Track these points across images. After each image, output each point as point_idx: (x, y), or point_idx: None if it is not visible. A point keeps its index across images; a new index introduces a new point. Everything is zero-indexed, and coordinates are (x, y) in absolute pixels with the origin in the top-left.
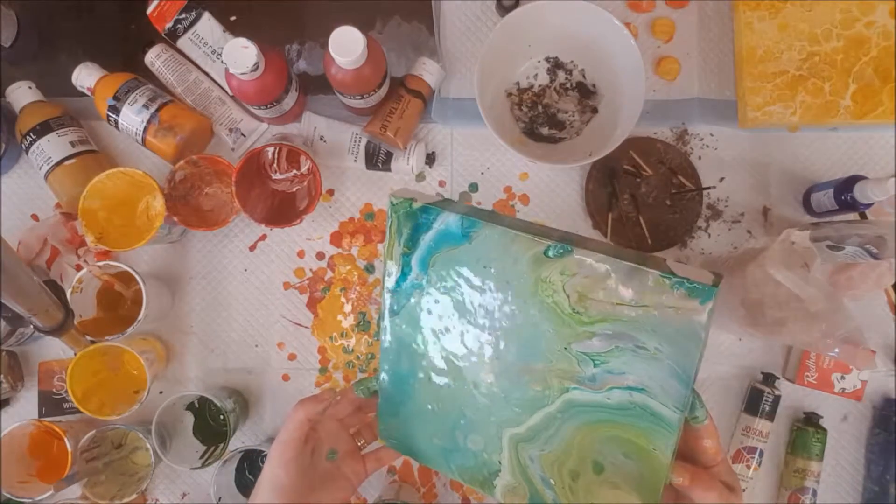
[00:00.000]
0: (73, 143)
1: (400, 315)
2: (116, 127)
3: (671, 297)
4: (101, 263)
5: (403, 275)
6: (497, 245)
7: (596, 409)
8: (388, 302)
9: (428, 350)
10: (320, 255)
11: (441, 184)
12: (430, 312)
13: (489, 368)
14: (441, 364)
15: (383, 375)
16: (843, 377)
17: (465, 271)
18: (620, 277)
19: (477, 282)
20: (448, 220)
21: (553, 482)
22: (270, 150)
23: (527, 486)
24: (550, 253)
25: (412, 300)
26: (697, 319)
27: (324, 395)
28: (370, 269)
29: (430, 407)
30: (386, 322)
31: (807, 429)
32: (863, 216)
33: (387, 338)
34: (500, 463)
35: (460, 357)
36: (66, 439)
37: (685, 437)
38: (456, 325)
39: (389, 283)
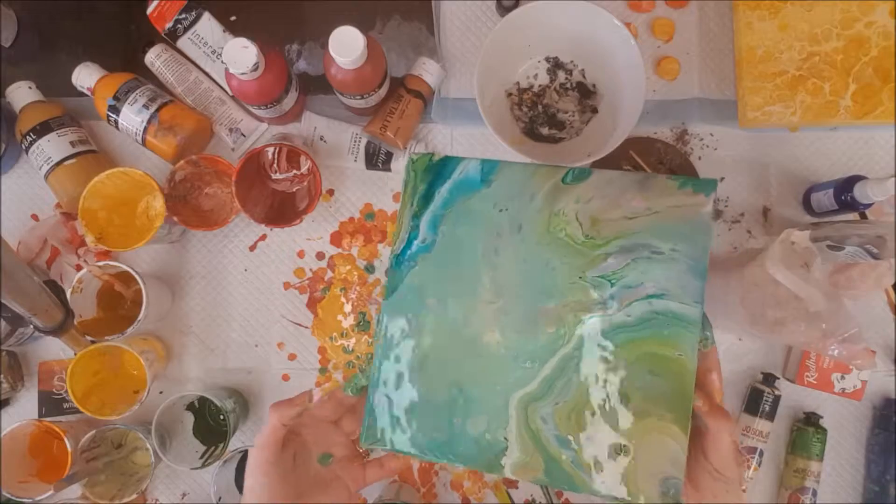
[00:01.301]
0: (73, 143)
1: (399, 290)
2: (116, 127)
3: (679, 197)
4: (101, 263)
5: (409, 242)
6: (516, 181)
7: (616, 331)
8: (389, 283)
9: (427, 324)
10: (320, 255)
11: None
12: (434, 277)
13: (494, 326)
14: (439, 339)
15: (377, 378)
16: (843, 377)
17: (478, 222)
18: (634, 190)
19: (488, 233)
20: (468, 167)
21: (571, 438)
22: (270, 150)
23: (540, 454)
24: (569, 178)
25: (414, 269)
26: (705, 211)
27: (298, 398)
28: (370, 269)
29: (424, 398)
30: (382, 306)
31: (807, 429)
32: (863, 216)
33: (381, 327)
34: (505, 439)
35: (462, 323)
36: (66, 439)
37: (696, 374)
38: (460, 287)
39: (395, 252)
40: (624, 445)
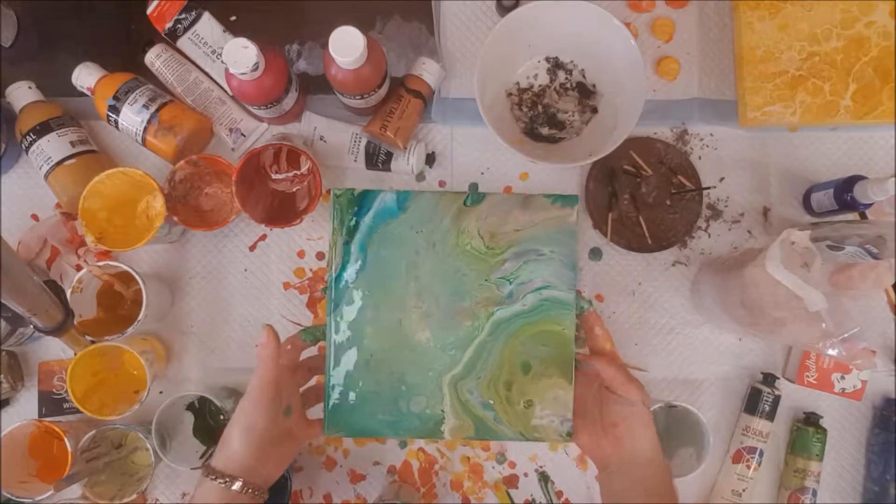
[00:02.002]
0: (73, 143)
1: (340, 307)
2: (116, 127)
3: (552, 210)
4: (101, 263)
5: (343, 266)
6: (427, 207)
7: (516, 317)
8: (331, 297)
9: (367, 332)
10: (320, 255)
11: (441, 184)
12: (367, 293)
13: (424, 326)
14: (379, 342)
15: (333, 378)
16: (843, 377)
17: (399, 243)
18: (519, 207)
19: (408, 251)
20: (385, 198)
21: (492, 402)
22: (270, 150)
23: (470, 418)
24: (469, 202)
25: (351, 288)
26: (571, 220)
27: (266, 339)
28: None
29: (372, 390)
30: (329, 318)
31: (807, 429)
32: (863, 216)
33: (332, 335)
34: (443, 411)
35: (397, 329)
36: (66, 439)
37: (585, 330)
38: (392, 300)
39: (331, 276)
40: (530, 400)
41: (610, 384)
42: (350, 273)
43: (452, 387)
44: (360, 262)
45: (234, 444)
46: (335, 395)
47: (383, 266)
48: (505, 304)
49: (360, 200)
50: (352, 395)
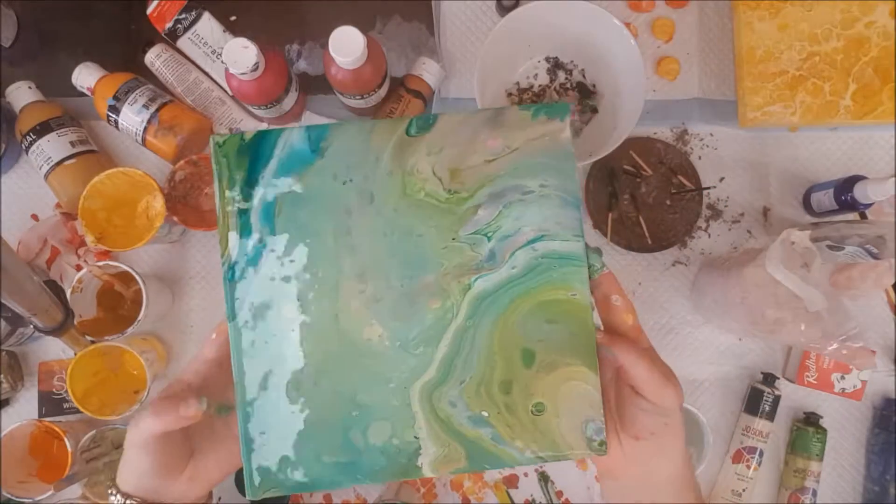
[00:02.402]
0: (73, 143)
1: (243, 311)
2: (116, 127)
3: (536, 128)
4: (101, 263)
5: (243, 245)
6: (355, 145)
7: (505, 287)
8: (229, 296)
9: (289, 338)
10: None
11: None
12: (284, 282)
13: (372, 318)
14: (310, 353)
15: (240, 406)
16: (843, 377)
17: (321, 202)
18: (487, 129)
19: (335, 212)
20: (291, 139)
21: (486, 414)
22: None
23: (457, 442)
24: (413, 129)
25: (257, 278)
26: (564, 137)
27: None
28: None
29: (305, 424)
30: (231, 328)
31: (807, 429)
32: (863, 216)
33: (238, 350)
34: (416, 438)
35: (333, 327)
36: (66, 439)
37: (596, 299)
38: (318, 284)
39: (229, 262)
40: (540, 403)
41: (639, 387)
42: (253, 254)
43: (426, 400)
44: (266, 238)
45: (132, 461)
46: (253, 437)
47: (302, 238)
48: (486, 271)
49: (255, 148)
50: (281, 436)
